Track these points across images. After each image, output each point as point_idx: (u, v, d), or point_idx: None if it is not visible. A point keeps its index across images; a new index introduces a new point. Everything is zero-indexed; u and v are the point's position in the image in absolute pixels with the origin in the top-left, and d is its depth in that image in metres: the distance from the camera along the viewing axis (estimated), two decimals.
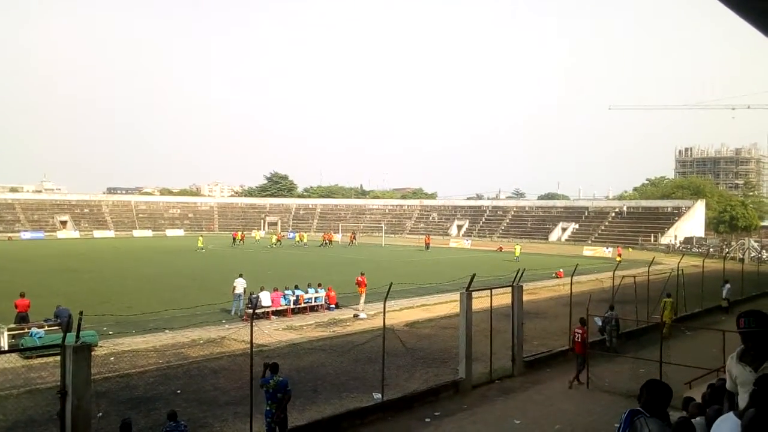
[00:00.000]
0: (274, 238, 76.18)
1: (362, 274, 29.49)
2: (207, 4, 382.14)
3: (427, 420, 13.62)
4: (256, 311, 20.52)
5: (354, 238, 79.00)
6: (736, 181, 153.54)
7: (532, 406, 14.81)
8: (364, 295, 27.54)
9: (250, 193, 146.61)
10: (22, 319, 21.04)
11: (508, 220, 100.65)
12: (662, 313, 22.41)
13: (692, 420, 6.06)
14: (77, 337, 9.42)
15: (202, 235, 73.54)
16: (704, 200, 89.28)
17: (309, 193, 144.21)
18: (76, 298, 27.14)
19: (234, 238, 74.88)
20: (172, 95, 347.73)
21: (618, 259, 52.17)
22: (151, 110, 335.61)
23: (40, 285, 32.60)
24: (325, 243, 75.07)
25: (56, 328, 19.39)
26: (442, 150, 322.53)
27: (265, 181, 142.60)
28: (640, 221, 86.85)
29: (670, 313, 22.43)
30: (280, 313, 26.09)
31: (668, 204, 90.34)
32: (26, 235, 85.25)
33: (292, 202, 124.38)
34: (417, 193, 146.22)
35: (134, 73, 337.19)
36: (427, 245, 71.68)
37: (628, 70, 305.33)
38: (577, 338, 16.80)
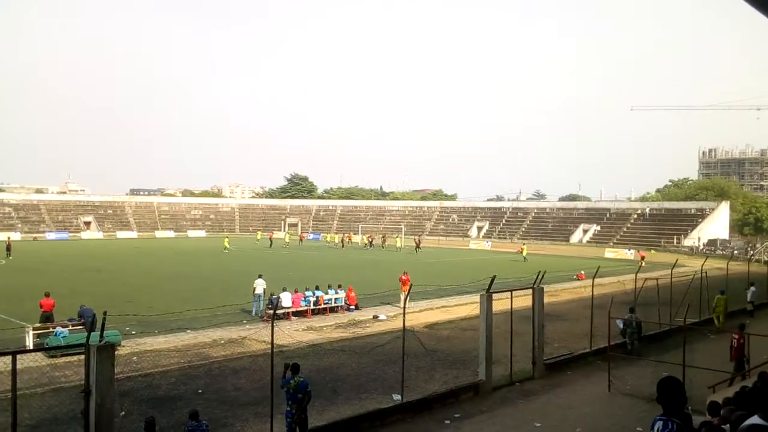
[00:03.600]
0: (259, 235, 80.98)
1: (405, 273, 29.51)
2: (225, 8, 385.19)
3: (447, 422, 13.58)
4: (277, 312, 20.62)
5: (419, 243, 72.25)
6: (762, 183, 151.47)
7: (553, 409, 14.71)
8: (405, 293, 27.32)
9: (270, 194, 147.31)
10: (47, 318, 21.34)
11: (528, 222, 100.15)
12: (715, 308, 24.70)
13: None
14: (101, 336, 9.52)
15: (227, 237, 73.49)
16: (728, 202, 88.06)
17: (329, 194, 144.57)
18: (99, 298, 27.49)
19: (271, 240, 75.78)
20: (193, 98, 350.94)
21: (640, 263, 51.34)
22: (172, 113, 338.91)
23: (64, 285, 33.06)
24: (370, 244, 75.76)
25: (80, 327, 19.65)
26: (462, 151, 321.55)
27: (286, 183, 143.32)
28: (662, 223, 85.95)
29: (723, 309, 24.62)
30: (300, 314, 26.20)
31: (692, 205, 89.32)
32: (51, 236, 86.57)
33: (312, 203, 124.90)
34: (437, 195, 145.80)
35: (156, 76, 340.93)
36: (417, 246, 69.44)
37: (651, 70, 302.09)
38: (734, 343, 16.87)
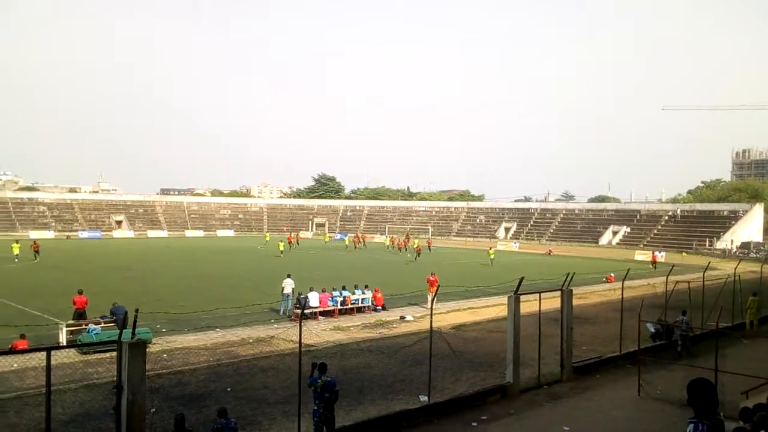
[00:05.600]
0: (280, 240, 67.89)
1: (433, 274, 29.43)
2: (249, 11, 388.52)
3: (474, 424, 13.51)
4: (304, 311, 20.72)
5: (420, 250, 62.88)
6: None
7: (581, 413, 14.55)
8: (432, 294, 27.11)
9: (298, 194, 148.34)
10: (80, 315, 21.74)
11: (557, 223, 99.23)
12: (748, 310, 24.48)
13: None
14: (133, 333, 9.67)
15: (282, 240, 64.06)
16: (763, 204, 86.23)
17: (356, 194, 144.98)
18: (130, 296, 27.92)
19: (290, 242, 68.11)
20: (222, 100, 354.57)
21: (651, 267, 48.73)
22: (202, 114, 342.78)
23: (96, 283, 33.66)
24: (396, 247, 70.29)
25: (112, 324, 19.98)
26: (490, 152, 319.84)
27: (313, 183, 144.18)
28: (694, 225, 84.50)
29: (755, 311, 24.41)
30: (327, 314, 26.30)
31: (724, 207, 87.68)
32: (84, 234, 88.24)
33: (339, 203, 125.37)
34: (464, 195, 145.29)
35: (187, 79, 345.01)
36: (418, 253, 59.45)
37: (683, 70, 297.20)
38: None
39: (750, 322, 24.31)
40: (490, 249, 58.57)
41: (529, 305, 17.19)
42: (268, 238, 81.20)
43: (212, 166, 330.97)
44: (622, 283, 20.91)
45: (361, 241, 77.35)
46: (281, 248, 59.13)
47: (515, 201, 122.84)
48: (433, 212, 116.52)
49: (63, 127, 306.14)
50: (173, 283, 36.63)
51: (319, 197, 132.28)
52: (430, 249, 64.89)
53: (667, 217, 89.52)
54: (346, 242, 77.19)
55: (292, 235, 77.28)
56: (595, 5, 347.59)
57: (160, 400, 14.12)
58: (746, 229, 79.31)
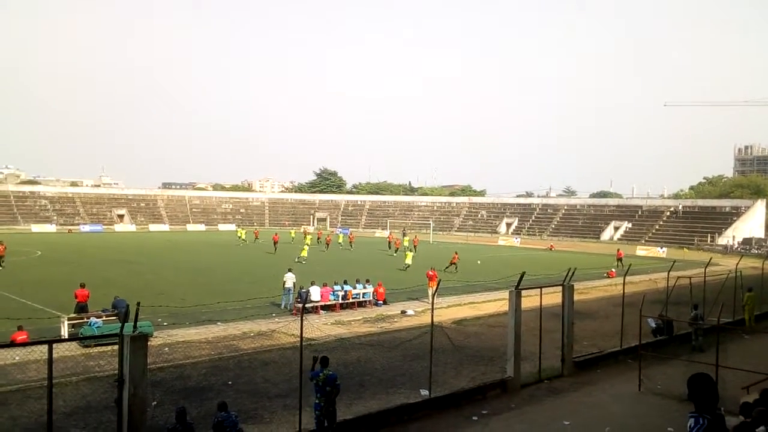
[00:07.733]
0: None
1: (432, 269, 29.41)
2: (250, 7, 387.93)
3: (475, 418, 13.53)
4: (306, 306, 20.73)
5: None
6: None
7: (582, 408, 14.56)
8: (433, 289, 26.93)
9: (299, 189, 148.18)
10: (82, 309, 21.77)
11: (558, 219, 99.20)
12: (745, 306, 24.17)
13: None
14: (134, 327, 9.68)
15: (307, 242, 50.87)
16: (765, 200, 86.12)
17: (358, 189, 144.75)
18: (132, 290, 27.95)
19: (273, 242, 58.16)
20: (224, 94, 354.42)
21: (618, 265, 45.68)
22: (204, 108, 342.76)
23: (98, 276, 33.67)
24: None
25: (114, 318, 19.99)
26: (492, 147, 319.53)
27: (315, 177, 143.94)
28: (696, 221, 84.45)
29: (751, 307, 24.15)
30: (328, 308, 26.33)
31: (726, 203, 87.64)
32: (85, 228, 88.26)
33: (341, 198, 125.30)
34: (466, 190, 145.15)
35: (188, 73, 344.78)
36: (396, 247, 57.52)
37: (685, 66, 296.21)
38: None
39: (748, 318, 24.30)
40: (408, 253, 46.62)
41: (530, 300, 17.22)
42: (239, 234, 71.03)
43: (214, 161, 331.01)
44: (624, 279, 20.91)
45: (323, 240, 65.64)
46: (304, 254, 47.35)
47: (517, 196, 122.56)
48: (435, 207, 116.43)
49: (65, 121, 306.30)
50: (175, 276, 36.66)
51: (321, 192, 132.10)
52: (415, 248, 56.25)
53: (668, 213, 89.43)
54: (307, 241, 58.69)
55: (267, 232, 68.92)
56: (595, 4, 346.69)
57: (162, 393, 14.15)
58: (748, 225, 79.26)
